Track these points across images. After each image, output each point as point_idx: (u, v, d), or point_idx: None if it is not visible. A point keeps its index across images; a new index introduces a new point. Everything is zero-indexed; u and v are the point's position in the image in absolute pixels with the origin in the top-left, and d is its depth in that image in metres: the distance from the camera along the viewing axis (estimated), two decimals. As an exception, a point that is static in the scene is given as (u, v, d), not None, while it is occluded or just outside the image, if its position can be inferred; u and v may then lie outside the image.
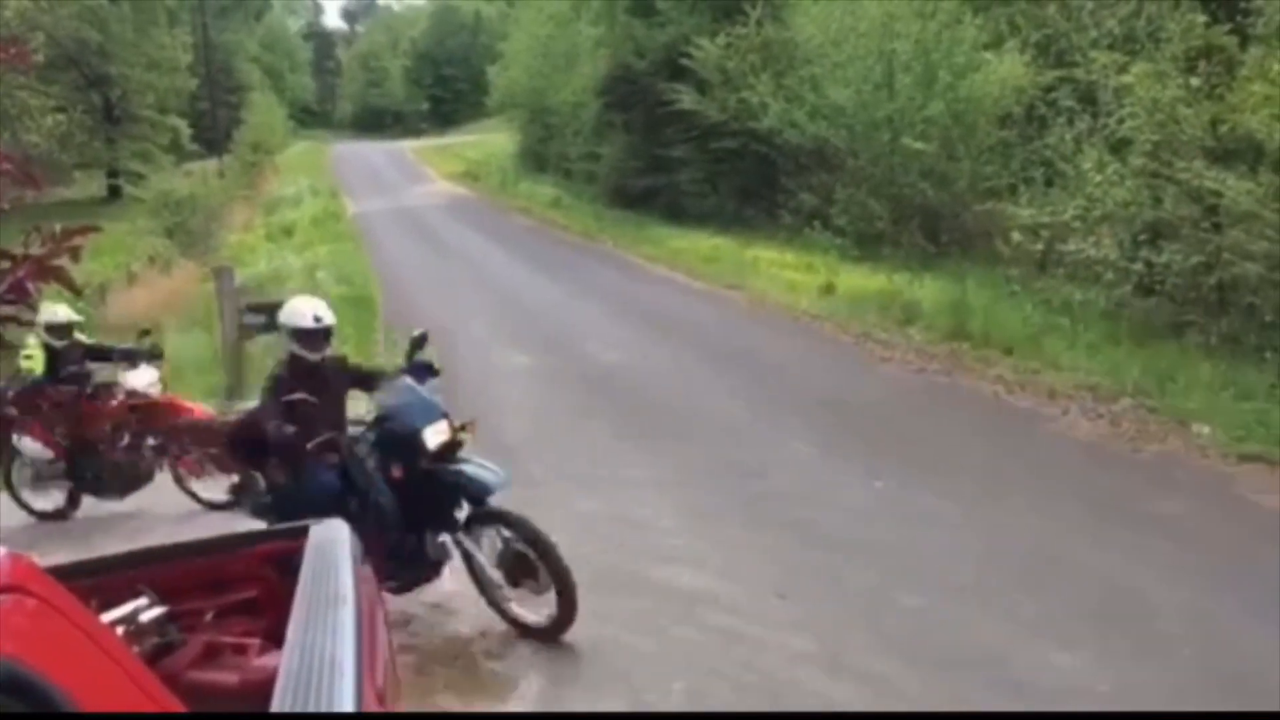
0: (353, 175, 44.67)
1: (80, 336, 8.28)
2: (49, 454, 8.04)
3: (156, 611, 2.93)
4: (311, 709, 2.08)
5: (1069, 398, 9.36)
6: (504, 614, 5.46)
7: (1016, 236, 13.21)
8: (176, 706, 1.86)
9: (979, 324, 11.51)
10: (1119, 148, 11.20)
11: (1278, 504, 6.74)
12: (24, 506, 8.16)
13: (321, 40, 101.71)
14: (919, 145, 15.73)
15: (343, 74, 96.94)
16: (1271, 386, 8.57)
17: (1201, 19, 10.29)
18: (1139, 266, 10.81)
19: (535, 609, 5.36)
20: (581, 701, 4.87)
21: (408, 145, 60.86)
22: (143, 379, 7.93)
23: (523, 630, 5.41)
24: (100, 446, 7.91)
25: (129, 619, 2.81)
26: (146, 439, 7.96)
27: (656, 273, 18.26)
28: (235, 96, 56.96)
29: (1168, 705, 4.46)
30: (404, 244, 24.85)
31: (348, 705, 2.14)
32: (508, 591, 5.41)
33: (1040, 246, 12.97)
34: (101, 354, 8.32)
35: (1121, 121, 10.96)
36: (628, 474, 7.94)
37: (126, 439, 7.93)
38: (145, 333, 8.73)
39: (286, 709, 2.08)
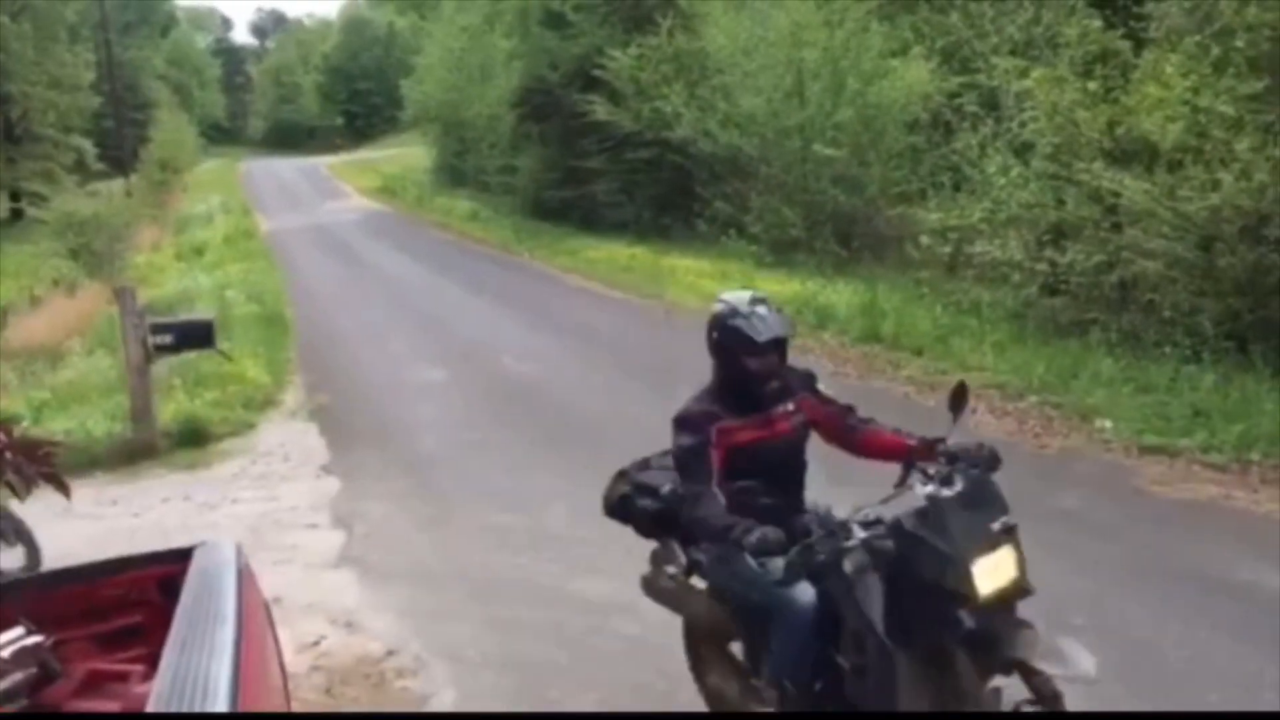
0: (266, 192, 43.97)
1: None
2: None
3: (33, 641, 2.81)
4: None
5: (977, 396, 9.42)
6: None
7: (926, 240, 13.45)
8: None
9: (890, 326, 11.63)
10: (1022, 151, 11.42)
11: (1175, 495, 6.92)
12: None
13: (231, 56, 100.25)
14: (830, 152, 15.93)
15: (254, 90, 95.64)
16: (1170, 380, 8.77)
17: (1097, 24, 10.57)
18: (1044, 266, 11.04)
19: None
20: (495, 716, 4.82)
21: (322, 161, 60.11)
22: None
23: None
24: None
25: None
26: None
27: (574, 283, 18.19)
28: (142, 114, 56.02)
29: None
30: (319, 261, 24.49)
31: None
32: None
33: (949, 249, 13.20)
34: None
35: (1024, 125, 11.18)
36: (543, 486, 7.87)
37: None
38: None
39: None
